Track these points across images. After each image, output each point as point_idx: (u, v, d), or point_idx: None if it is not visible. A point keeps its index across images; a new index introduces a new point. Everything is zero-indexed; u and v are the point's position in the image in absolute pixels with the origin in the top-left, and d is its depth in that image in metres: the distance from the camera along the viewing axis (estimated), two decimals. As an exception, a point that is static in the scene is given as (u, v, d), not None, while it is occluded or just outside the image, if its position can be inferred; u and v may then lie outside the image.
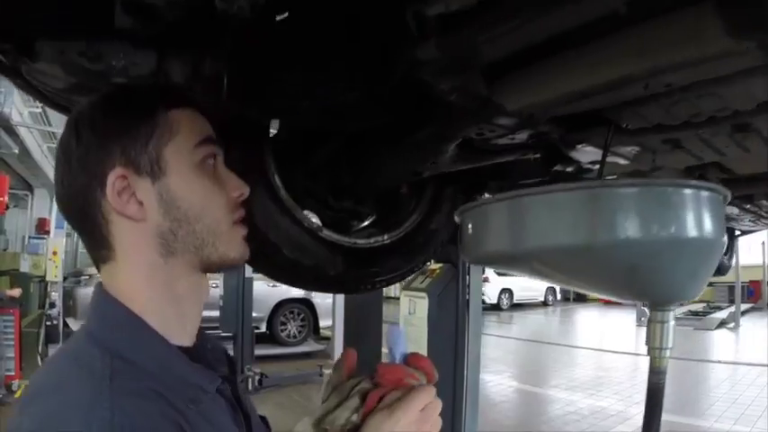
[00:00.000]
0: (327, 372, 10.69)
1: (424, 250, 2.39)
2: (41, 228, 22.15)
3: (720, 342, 16.80)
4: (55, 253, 10.56)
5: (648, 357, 1.21)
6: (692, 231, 1.06)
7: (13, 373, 8.73)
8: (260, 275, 11.01)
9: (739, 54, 1.18)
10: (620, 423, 8.02)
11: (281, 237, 1.94)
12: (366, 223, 2.36)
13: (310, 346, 14.06)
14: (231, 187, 1.14)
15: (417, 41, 1.41)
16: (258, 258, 1.85)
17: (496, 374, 11.66)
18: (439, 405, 1.17)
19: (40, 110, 13.73)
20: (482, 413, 7.89)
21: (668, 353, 1.19)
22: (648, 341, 1.20)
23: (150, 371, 0.96)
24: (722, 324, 19.74)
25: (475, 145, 1.90)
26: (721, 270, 6.59)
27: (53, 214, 11.21)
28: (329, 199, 2.17)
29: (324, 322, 14.05)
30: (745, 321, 20.54)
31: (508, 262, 1.33)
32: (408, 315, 3.62)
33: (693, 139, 1.81)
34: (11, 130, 12.00)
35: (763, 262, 24.89)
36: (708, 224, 1.08)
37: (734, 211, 4.16)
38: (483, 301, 21.39)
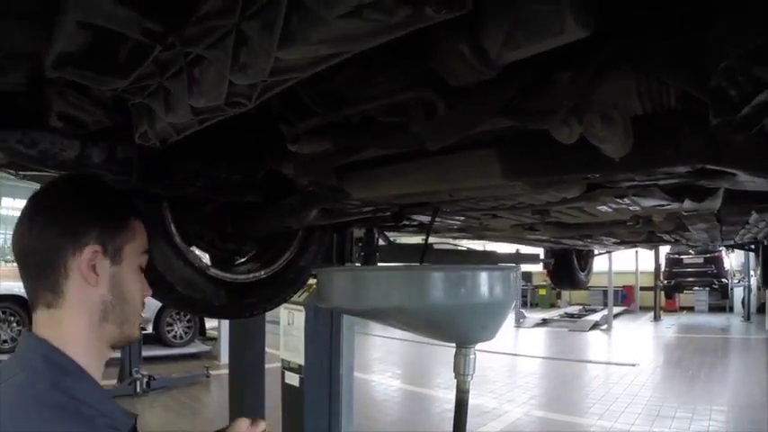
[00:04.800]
0: (214, 373, 10.82)
1: (294, 283, 2.96)
2: None
3: (593, 343, 17.56)
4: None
5: (456, 381, 1.64)
6: (482, 298, 1.50)
7: None
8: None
9: (512, 187, 1.82)
10: (493, 419, 8.43)
11: (176, 277, 2.38)
12: (246, 258, 2.80)
13: (197, 347, 14.02)
14: (145, 287, 1.50)
15: (282, 153, 2.04)
16: (157, 293, 2.26)
17: (379, 374, 12.01)
18: None
19: None
20: (363, 411, 8.20)
21: (470, 378, 1.63)
22: (455, 369, 1.63)
23: (99, 410, 1.25)
24: (596, 326, 20.61)
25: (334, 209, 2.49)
26: (579, 285, 7.18)
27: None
28: (216, 241, 2.63)
29: (210, 323, 14.08)
30: (617, 323, 21.56)
31: (350, 313, 1.79)
32: (288, 326, 3.92)
33: (508, 214, 2.47)
34: None
35: (636, 268, 26.10)
36: (497, 292, 1.53)
37: (578, 243, 4.74)
38: (369, 304, 21.62)
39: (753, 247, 7.01)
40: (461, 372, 1.62)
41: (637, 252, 25.33)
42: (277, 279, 2.81)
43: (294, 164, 2.05)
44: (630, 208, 2.45)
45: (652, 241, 4.95)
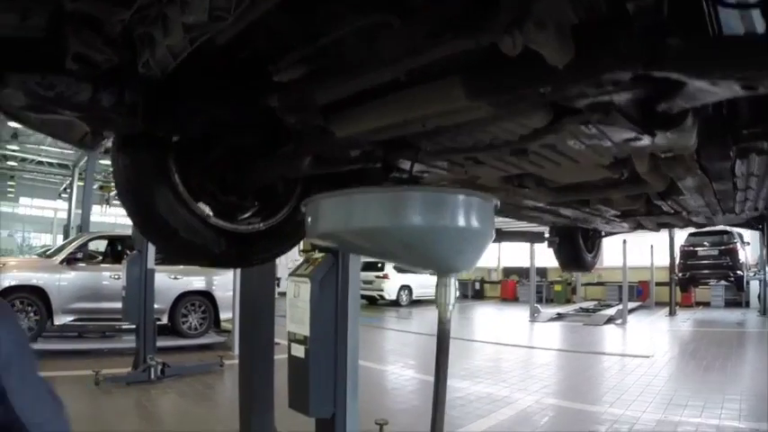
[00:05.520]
0: (228, 363, 10.90)
1: (291, 237, 3.18)
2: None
3: (608, 336, 17.54)
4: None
5: (438, 311, 1.74)
6: (459, 222, 1.58)
7: None
8: (162, 267, 11.13)
9: (477, 108, 2.00)
10: (504, 407, 8.41)
11: (179, 222, 2.56)
12: (249, 214, 2.92)
13: (211, 338, 14.09)
14: None
15: (269, 91, 2.32)
16: (160, 240, 2.45)
17: (391, 365, 12.07)
18: None
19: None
20: (373, 399, 8.26)
21: (451, 306, 1.74)
22: (437, 298, 1.73)
23: None
24: (610, 320, 20.56)
25: (325, 157, 2.65)
26: (585, 267, 7.16)
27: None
28: (218, 193, 2.81)
29: (224, 315, 14.14)
30: (632, 318, 21.49)
31: (335, 239, 1.88)
32: (293, 298, 3.96)
33: (489, 158, 2.57)
34: None
35: (651, 264, 26.02)
36: (473, 219, 1.64)
37: (576, 214, 4.76)
38: (382, 297, 21.69)
39: (759, 226, 6.96)
40: (442, 301, 1.75)
41: (652, 247, 25.34)
42: (275, 232, 2.97)
43: (280, 96, 2.30)
44: (602, 144, 2.51)
45: (652, 213, 4.95)
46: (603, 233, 7.12)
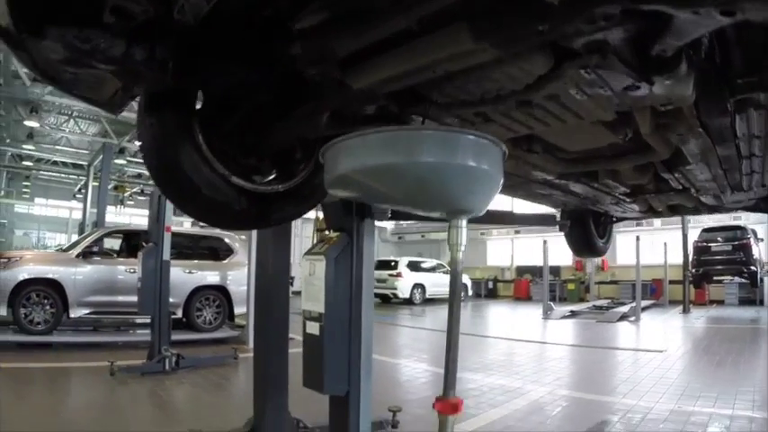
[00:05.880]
0: (242, 356, 10.98)
1: (309, 199, 3.34)
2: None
3: (621, 333, 17.54)
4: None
5: (450, 252, 1.80)
6: (469, 162, 1.66)
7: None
8: (177, 261, 11.23)
9: (482, 51, 2.12)
10: (516, 397, 8.43)
11: (202, 180, 2.68)
12: (269, 178, 3.04)
13: (225, 332, 14.17)
14: None
15: (291, 43, 2.47)
16: (183, 198, 2.58)
17: (405, 358, 12.13)
18: None
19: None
20: (386, 390, 8.32)
21: (462, 247, 1.79)
22: (449, 241, 1.80)
23: None
24: (624, 317, 20.61)
25: (342, 115, 2.79)
26: (596, 252, 7.18)
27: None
28: (238, 156, 2.93)
29: (239, 309, 14.24)
30: (645, 316, 21.53)
31: (351, 182, 1.96)
32: (309, 276, 4.02)
33: (497, 114, 2.70)
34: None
35: (665, 261, 26.01)
36: (483, 161, 1.71)
37: (585, 190, 4.80)
38: (396, 296, 21.84)
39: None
40: (455, 242, 1.83)
41: (665, 244, 25.35)
42: (294, 194, 3.11)
43: (302, 44, 2.43)
44: (603, 93, 2.59)
45: (661, 191, 4.99)
46: (615, 218, 7.13)
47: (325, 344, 3.92)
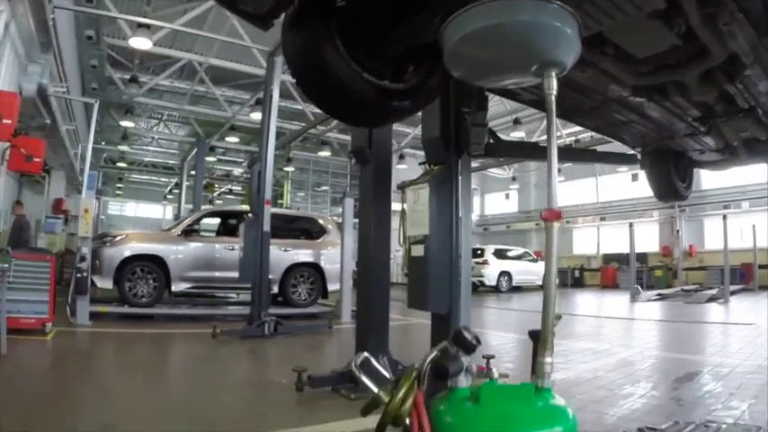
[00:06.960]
0: (336, 327, 11.42)
1: (423, 99, 3.70)
2: (58, 208, 22.64)
3: (710, 312, 17.41)
4: (86, 211, 11.18)
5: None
6: (556, 22, 2.06)
7: (46, 316, 9.23)
8: (274, 240, 11.74)
9: None
10: (605, 357, 8.67)
11: (340, 72, 3.09)
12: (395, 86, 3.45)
13: (319, 308, 14.67)
14: None
15: None
16: (326, 86, 3.13)
17: (494, 330, 12.52)
18: None
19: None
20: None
21: (554, 93, 2.20)
22: (543, 89, 2.21)
23: None
24: (712, 299, 20.45)
25: None
26: (679, 195, 7.24)
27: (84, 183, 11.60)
28: (366, 60, 3.28)
29: (332, 286, 14.75)
30: (734, 298, 21.27)
31: (461, 55, 2.48)
32: (413, 204, 4.40)
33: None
34: (45, 101, 12.57)
35: (754, 245, 25.44)
36: (560, 17, 2.21)
37: (660, 113, 4.92)
38: (483, 284, 21.94)
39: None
40: (548, 90, 2.28)
41: (754, 227, 24.77)
42: (412, 92, 3.46)
43: None
44: None
45: (728, 113, 4.96)
46: (695, 161, 7.11)
47: (429, 263, 4.28)
